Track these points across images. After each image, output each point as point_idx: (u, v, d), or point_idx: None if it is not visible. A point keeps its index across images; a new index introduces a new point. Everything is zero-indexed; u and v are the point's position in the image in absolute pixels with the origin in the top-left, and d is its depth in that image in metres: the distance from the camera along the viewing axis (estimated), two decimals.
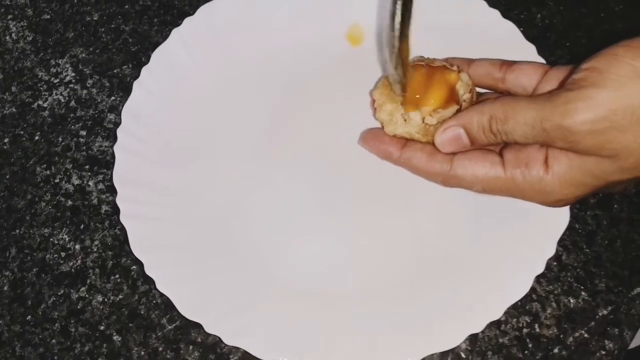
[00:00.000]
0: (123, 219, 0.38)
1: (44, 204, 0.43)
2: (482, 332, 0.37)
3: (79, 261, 0.41)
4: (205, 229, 0.40)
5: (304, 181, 0.41)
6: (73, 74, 0.48)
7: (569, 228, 0.37)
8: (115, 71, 0.48)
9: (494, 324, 0.38)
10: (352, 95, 0.42)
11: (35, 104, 0.47)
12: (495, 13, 0.43)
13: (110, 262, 0.41)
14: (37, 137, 0.46)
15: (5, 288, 0.41)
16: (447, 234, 0.39)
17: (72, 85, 0.47)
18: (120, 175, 0.40)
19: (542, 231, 0.37)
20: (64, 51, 0.49)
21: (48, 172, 0.44)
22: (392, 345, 0.35)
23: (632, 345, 0.38)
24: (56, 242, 0.42)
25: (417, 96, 0.36)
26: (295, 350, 0.35)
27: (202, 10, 0.44)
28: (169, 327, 0.39)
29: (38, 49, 0.49)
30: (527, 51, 0.41)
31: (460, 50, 0.39)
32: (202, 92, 0.44)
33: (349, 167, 0.41)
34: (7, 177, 0.44)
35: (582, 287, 0.39)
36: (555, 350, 0.37)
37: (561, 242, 0.38)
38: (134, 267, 0.41)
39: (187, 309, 0.36)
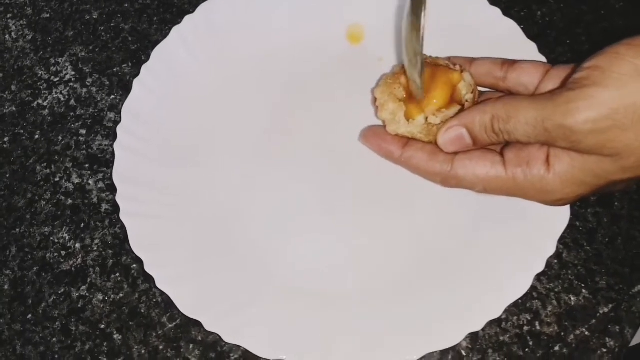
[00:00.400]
0: (123, 216, 0.38)
1: (44, 202, 0.43)
2: (483, 330, 0.37)
3: (79, 260, 0.41)
4: (205, 227, 0.40)
5: (304, 180, 0.41)
6: (73, 73, 0.48)
7: (570, 226, 0.37)
8: (115, 70, 0.48)
9: (495, 322, 0.38)
10: (352, 93, 0.42)
11: (35, 102, 0.47)
12: (496, 11, 0.43)
13: (111, 260, 0.41)
14: (37, 136, 0.46)
15: (6, 287, 0.41)
16: (446, 234, 0.39)
17: (71, 84, 0.47)
18: (120, 174, 0.40)
19: (542, 231, 0.37)
20: (64, 50, 0.49)
21: (48, 170, 0.44)
22: (391, 345, 0.35)
23: (633, 342, 0.38)
24: (56, 240, 0.42)
25: None
26: (295, 348, 0.35)
27: (202, 8, 0.44)
28: (170, 325, 0.39)
29: (38, 48, 0.49)
30: (528, 49, 0.41)
31: (460, 48, 0.39)
32: (202, 90, 0.44)
33: (349, 166, 0.41)
34: (7, 176, 0.44)
35: (583, 285, 0.39)
36: (556, 348, 0.37)
37: (562, 240, 0.38)
38: (135, 265, 0.41)
39: (187, 307, 0.36)
